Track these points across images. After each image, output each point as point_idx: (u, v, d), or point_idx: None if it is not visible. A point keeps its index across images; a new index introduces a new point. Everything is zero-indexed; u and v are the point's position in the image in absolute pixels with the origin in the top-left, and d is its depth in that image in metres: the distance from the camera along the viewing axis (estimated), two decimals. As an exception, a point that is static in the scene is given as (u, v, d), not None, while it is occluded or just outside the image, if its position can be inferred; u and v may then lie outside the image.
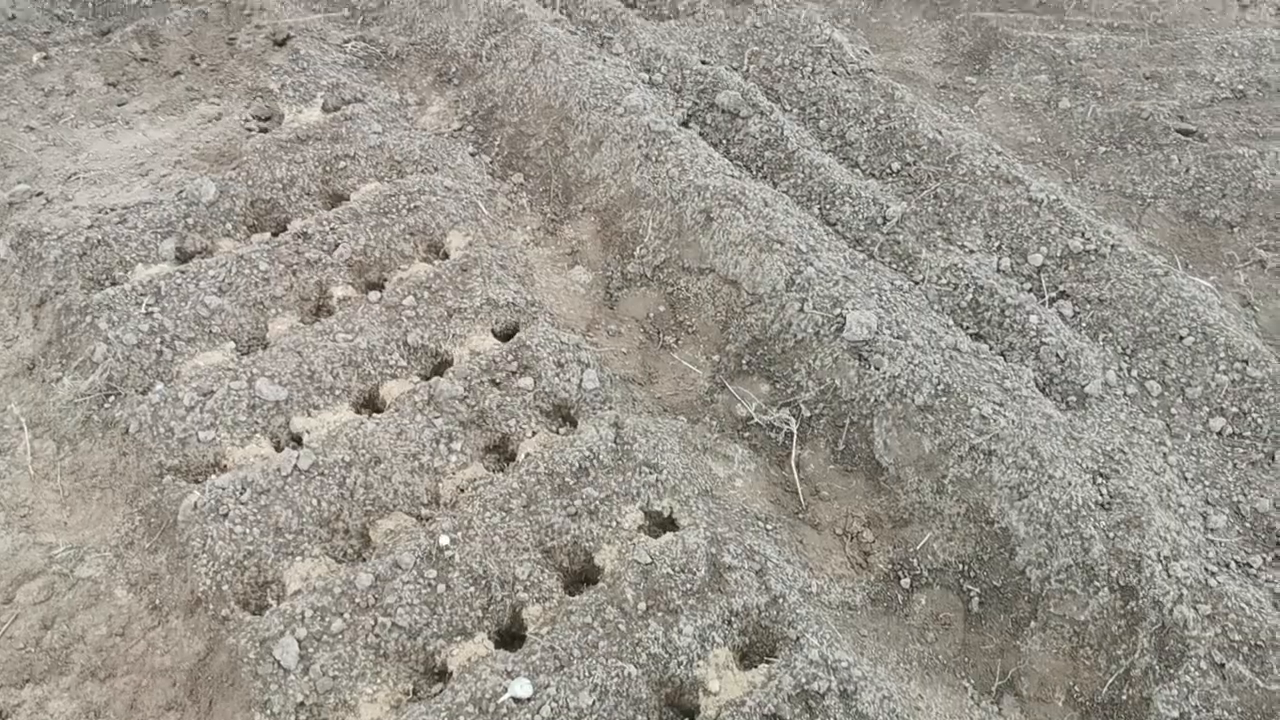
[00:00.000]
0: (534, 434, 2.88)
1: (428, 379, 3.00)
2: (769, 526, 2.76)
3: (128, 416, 2.79)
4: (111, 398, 2.86)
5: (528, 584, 2.52)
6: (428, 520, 2.65)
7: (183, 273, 3.10)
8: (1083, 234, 3.47)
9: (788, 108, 3.98)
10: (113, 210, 3.29)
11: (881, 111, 3.84)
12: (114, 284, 3.13)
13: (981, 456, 2.80)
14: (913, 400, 2.89)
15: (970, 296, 3.28)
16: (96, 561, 2.62)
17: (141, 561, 2.59)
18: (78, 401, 2.87)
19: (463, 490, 2.74)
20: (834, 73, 4.02)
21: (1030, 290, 3.41)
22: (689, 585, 2.50)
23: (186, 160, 3.53)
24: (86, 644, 2.47)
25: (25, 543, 2.67)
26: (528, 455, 2.79)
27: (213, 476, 2.65)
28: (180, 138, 3.66)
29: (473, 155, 3.81)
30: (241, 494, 2.58)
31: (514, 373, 2.97)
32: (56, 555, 2.63)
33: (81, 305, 3.02)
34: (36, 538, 2.68)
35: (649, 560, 2.53)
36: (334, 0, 4.45)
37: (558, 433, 2.91)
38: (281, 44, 4.04)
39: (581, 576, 2.63)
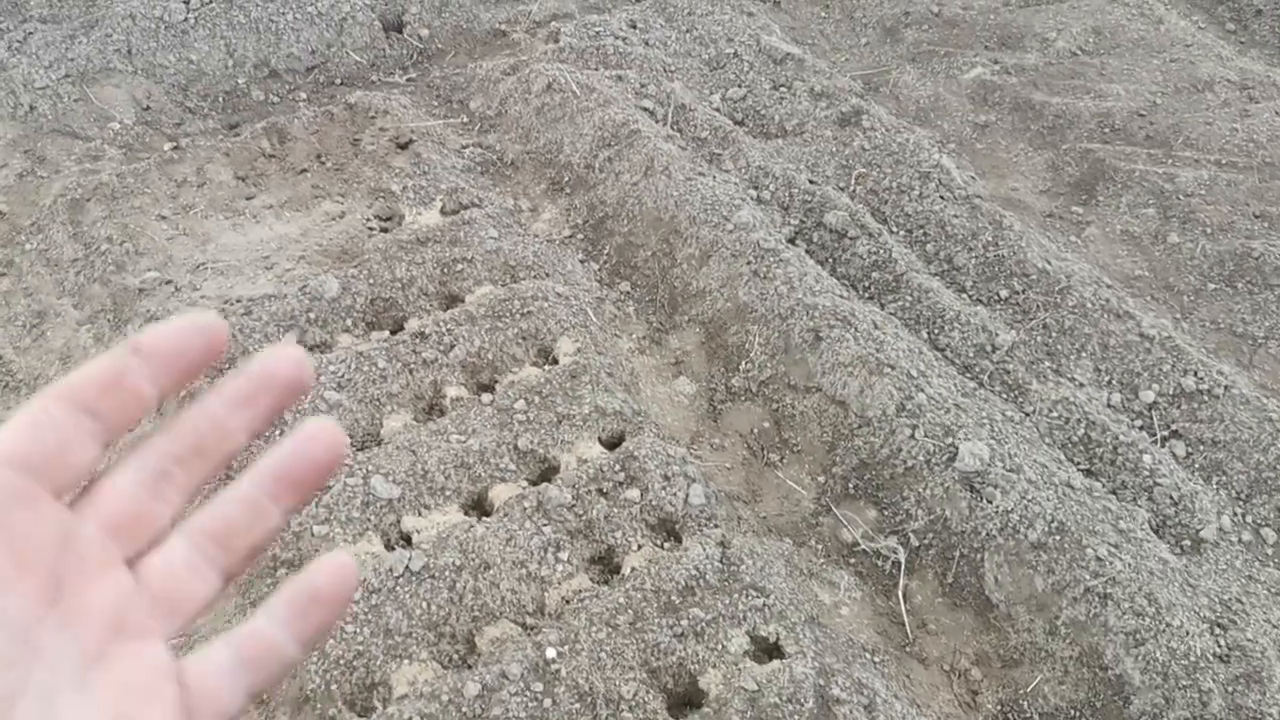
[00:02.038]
0: (639, 548, 2.88)
1: (535, 484, 3.03)
2: (876, 659, 2.71)
3: (245, 507, 2.84)
4: (230, 487, 2.92)
5: (632, 704, 2.50)
6: (533, 630, 2.64)
7: (303, 367, 3.17)
8: (1195, 373, 3.43)
9: (894, 230, 4.02)
10: (238, 301, 3.39)
11: (989, 238, 3.86)
12: (237, 374, 3.21)
13: (1097, 599, 2.74)
14: (1026, 537, 2.85)
15: (1082, 432, 3.25)
16: (206, 651, 2.64)
17: (251, 654, 2.61)
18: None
19: (568, 601, 2.73)
20: (941, 197, 4.05)
21: (1141, 428, 3.36)
22: (796, 717, 2.46)
23: (310, 256, 3.64)
24: (192, 735, 2.49)
25: (137, 627, 2.70)
26: (634, 570, 2.78)
27: (325, 573, 2.68)
28: (305, 233, 3.79)
29: (582, 263, 3.89)
30: (353, 593, 2.60)
31: (621, 483, 2.98)
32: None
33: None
34: (148, 622, 2.72)
35: (756, 688, 2.50)
36: (453, 107, 4.61)
37: (662, 547, 2.90)
38: (404, 147, 4.18)
39: (685, 699, 2.59)
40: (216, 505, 0.57)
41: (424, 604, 2.63)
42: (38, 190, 3.99)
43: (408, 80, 4.85)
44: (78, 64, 4.53)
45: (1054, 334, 3.57)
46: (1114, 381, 3.47)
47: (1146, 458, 3.17)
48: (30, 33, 4.68)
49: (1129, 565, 2.78)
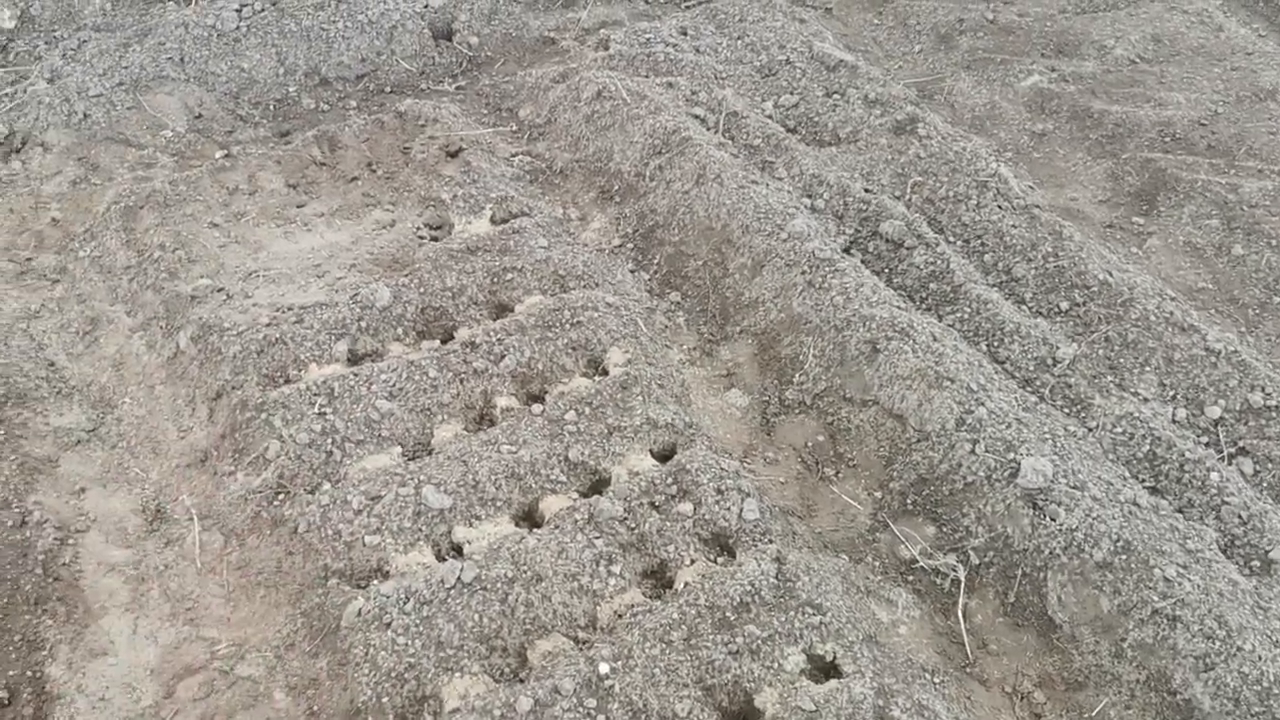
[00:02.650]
0: (692, 562, 2.83)
1: (586, 496, 2.99)
2: (936, 680, 2.64)
3: (297, 516, 2.82)
4: (281, 496, 2.90)
5: (687, 722, 2.45)
6: (586, 645, 2.60)
7: (355, 375, 3.16)
8: (1263, 388, 3.33)
9: (951, 240, 3.95)
10: (290, 309, 3.38)
11: (1049, 249, 3.78)
12: (288, 382, 3.20)
13: (1165, 621, 2.65)
14: (1090, 556, 2.76)
15: (1147, 448, 3.16)
16: (257, 661, 2.63)
17: (301, 665, 2.59)
18: (249, 497, 2.92)
19: (620, 616, 2.68)
20: (999, 207, 3.98)
21: (1208, 445, 3.27)
22: (856, 738, 2.40)
23: (361, 264, 3.63)
24: (243, 746, 2.47)
25: (189, 636, 2.69)
26: (687, 585, 2.73)
27: (376, 583, 2.66)
28: (356, 242, 3.78)
29: (632, 272, 3.85)
30: (405, 604, 2.57)
31: (674, 497, 2.93)
32: (218, 652, 2.65)
33: (257, 402, 3.09)
34: (200, 632, 2.71)
35: (813, 708, 2.44)
36: (502, 115, 4.59)
37: (715, 562, 2.85)
38: (454, 155, 4.17)
39: (740, 718, 2.54)
40: None
41: (475, 616, 2.59)
42: (91, 197, 4.02)
43: (457, 88, 4.84)
44: (131, 72, 4.56)
45: (1117, 347, 3.48)
46: (1179, 396, 3.37)
47: (1214, 475, 3.07)
48: (84, 41, 4.72)
49: (1198, 586, 2.70)
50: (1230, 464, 3.22)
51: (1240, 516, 3.02)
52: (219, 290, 3.52)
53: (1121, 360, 3.46)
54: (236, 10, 4.79)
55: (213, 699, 2.55)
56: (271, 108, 4.69)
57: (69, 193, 4.06)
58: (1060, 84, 4.81)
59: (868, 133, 4.39)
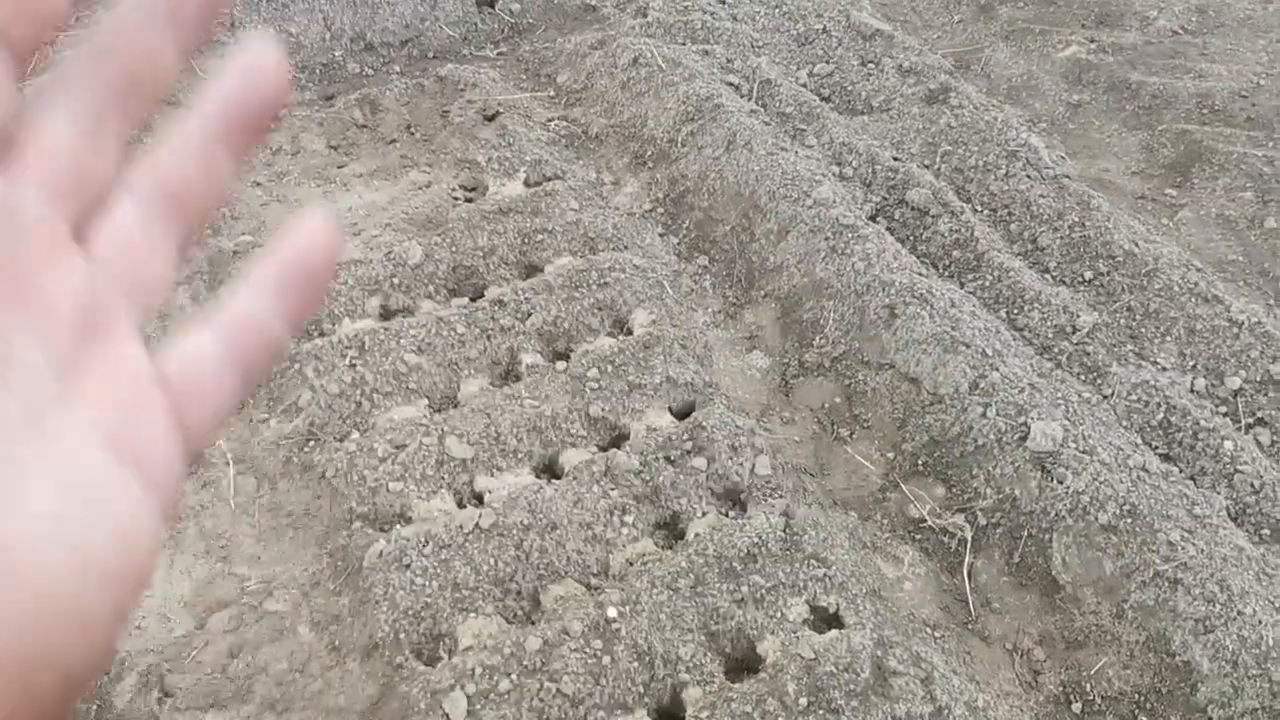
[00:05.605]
0: (704, 515, 2.91)
1: (605, 450, 3.08)
2: (937, 634, 2.71)
3: (325, 462, 2.95)
4: (311, 442, 3.03)
5: (690, 665, 2.54)
6: (596, 590, 2.70)
7: (385, 329, 3.28)
8: (1286, 360, 3.33)
9: (978, 209, 3.97)
10: (326, 266, 3.50)
11: (1076, 219, 3.79)
12: (321, 335, 3.33)
13: (1166, 584, 2.69)
14: (1096, 519, 2.81)
15: (1161, 416, 3.19)
16: (284, 597, 2.77)
17: (325, 602, 2.73)
18: (281, 443, 3.05)
19: (632, 564, 2.79)
20: (1028, 176, 3.99)
21: (1225, 414, 3.29)
22: (852, 686, 2.48)
23: (396, 223, 3.75)
24: (269, 676, 2.60)
25: (221, 572, 2.84)
26: (697, 535, 2.82)
27: (398, 527, 2.78)
28: (392, 202, 3.89)
29: (661, 236, 3.92)
30: (424, 547, 2.69)
31: (689, 452, 3.02)
32: (248, 588, 2.79)
33: (291, 353, 3.22)
34: (231, 569, 2.85)
35: (813, 655, 2.52)
36: (541, 80, 4.68)
37: (727, 516, 2.94)
38: (491, 119, 4.26)
39: (743, 664, 2.63)
40: (165, 156, 0.44)
41: (491, 560, 2.70)
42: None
43: (498, 54, 4.93)
44: (184, 36, 4.69)
45: (1138, 317, 3.50)
46: (1199, 366, 3.39)
47: (1228, 444, 3.09)
48: (140, 5, 4.87)
49: (1202, 551, 2.73)
50: (1247, 433, 3.23)
51: (1253, 485, 3.04)
52: (259, 246, 3.65)
53: (1143, 329, 3.47)
54: (285, -24, 4.91)
55: (241, 631, 2.69)
56: (317, 72, 4.81)
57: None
58: (1099, 55, 4.79)
59: (900, 102, 4.41)
